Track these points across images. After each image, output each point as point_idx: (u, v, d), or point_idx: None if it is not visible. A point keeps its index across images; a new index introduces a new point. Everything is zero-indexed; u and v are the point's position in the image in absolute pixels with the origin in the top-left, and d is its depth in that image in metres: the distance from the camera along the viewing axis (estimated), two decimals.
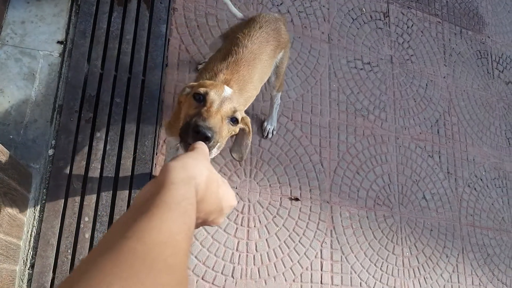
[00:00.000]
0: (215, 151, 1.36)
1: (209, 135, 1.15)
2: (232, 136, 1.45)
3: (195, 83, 1.44)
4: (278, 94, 2.33)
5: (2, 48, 2.13)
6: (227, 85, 1.54)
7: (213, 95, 1.28)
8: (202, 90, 1.29)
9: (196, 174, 0.65)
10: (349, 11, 3.11)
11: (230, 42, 1.85)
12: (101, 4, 2.36)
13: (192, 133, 1.15)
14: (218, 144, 1.25)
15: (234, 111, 1.31)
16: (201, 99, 1.29)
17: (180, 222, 0.54)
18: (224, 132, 1.30)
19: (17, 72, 2.11)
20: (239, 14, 2.19)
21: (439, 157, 3.06)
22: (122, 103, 2.23)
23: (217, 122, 1.22)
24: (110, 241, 0.47)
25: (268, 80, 2.16)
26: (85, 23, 2.29)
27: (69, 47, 2.23)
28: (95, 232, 2.01)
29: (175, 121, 1.62)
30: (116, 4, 2.39)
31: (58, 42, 2.22)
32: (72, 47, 2.23)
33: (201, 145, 0.82)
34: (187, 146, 1.18)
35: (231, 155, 1.58)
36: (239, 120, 1.35)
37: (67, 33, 2.25)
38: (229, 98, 1.32)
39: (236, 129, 1.39)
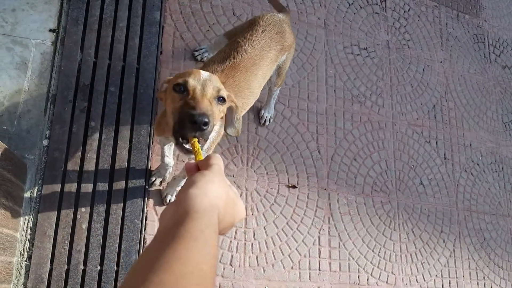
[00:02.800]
0: (213, 135, 1.33)
1: (206, 120, 1.12)
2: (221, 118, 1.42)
3: (171, 77, 1.40)
4: (278, 89, 2.32)
5: None
6: None
7: (192, 81, 1.25)
8: (180, 80, 1.26)
9: (217, 200, 0.66)
10: None
11: (230, 46, 1.81)
12: None
13: (189, 125, 1.12)
14: (214, 127, 1.23)
15: (219, 90, 1.28)
16: (182, 90, 1.25)
17: (205, 252, 0.56)
18: (216, 113, 1.27)
19: (9, 62, 2.07)
20: None
21: (436, 142, 3.05)
22: (117, 92, 2.21)
23: (207, 106, 1.20)
24: (139, 275, 0.51)
25: (270, 79, 2.14)
26: (78, 11, 2.25)
27: (61, 36, 2.20)
28: (92, 223, 2.00)
29: (163, 119, 1.60)
30: None
31: (50, 30, 2.18)
32: (65, 35, 2.19)
33: (216, 161, 0.77)
34: (183, 143, 1.16)
35: (227, 133, 1.54)
36: (226, 98, 1.32)
37: (59, 21, 2.21)
38: (209, 80, 1.28)
39: (225, 107, 1.36)
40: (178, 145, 1.18)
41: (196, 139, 1.10)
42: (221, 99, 1.30)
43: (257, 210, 2.36)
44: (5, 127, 1.98)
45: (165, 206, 2.19)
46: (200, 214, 0.61)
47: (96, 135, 2.11)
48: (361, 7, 3.11)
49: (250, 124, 2.49)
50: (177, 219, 0.60)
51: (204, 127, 1.12)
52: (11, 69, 2.06)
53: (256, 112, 2.51)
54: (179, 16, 2.50)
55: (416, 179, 2.89)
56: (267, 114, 2.49)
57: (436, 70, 3.26)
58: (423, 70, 3.20)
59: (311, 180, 2.55)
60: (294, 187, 2.49)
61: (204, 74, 1.30)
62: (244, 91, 1.74)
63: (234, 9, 2.66)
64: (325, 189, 2.57)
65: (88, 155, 2.08)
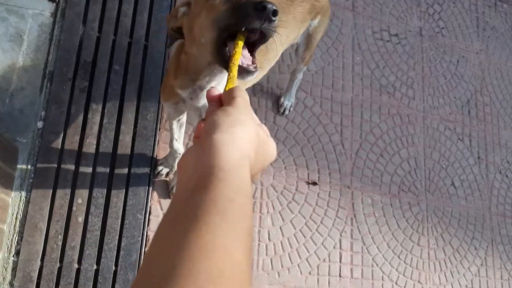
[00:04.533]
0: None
1: (275, 8, 0.84)
2: None
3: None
4: (303, 68, 2.05)
5: None
6: None
7: None
8: None
9: (248, 147, 0.53)
10: None
11: None
12: None
13: (254, 12, 0.83)
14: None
15: None
16: None
17: (238, 232, 0.43)
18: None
19: (2, 33, 1.86)
20: None
21: (470, 140, 2.79)
22: (122, 71, 1.98)
23: None
24: (155, 278, 0.38)
25: (296, 50, 1.88)
26: None
27: (62, 6, 1.97)
28: (89, 216, 1.78)
29: (169, 79, 1.34)
30: None
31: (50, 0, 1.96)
32: (66, 6, 1.98)
33: (240, 93, 0.59)
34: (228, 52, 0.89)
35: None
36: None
37: None
38: None
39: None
40: (219, 53, 0.92)
41: (242, 43, 0.84)
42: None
43: (273, 208, 2.13)
44: None
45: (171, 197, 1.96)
46: (228, 172, 0.46)
47: (97, 118, 1.89)
48: None
49: (267, 112, 2.25)
50: (197, 180, 0.46)
51: (274, 17, 0.84)
52: (4, 42, 1.85)
53: (275, 99, 2.27)
54: None
55: (448, 179, 2.63)
56: (287, 102, 2.25)
57: (471, 61, 2.98)
58: (458, 61, 2.93)
59: (333, 177, 2.31)
60: (314, 183, 2.25)
61: None
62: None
63: None
64: (348, 187, 2.33)
65: (88, 140, 1.86)
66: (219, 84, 1.19)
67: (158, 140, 1.98)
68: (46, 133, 1.81)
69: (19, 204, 1.71)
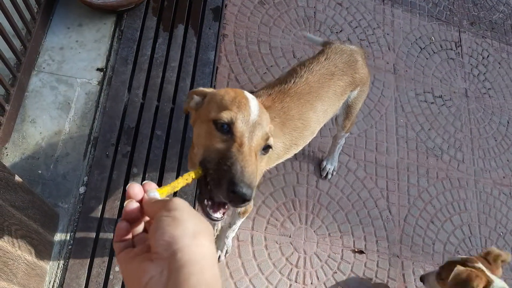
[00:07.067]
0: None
1: (250, 195, 0.82)
2: None
3: (205, 89, 1.10)
4: (345, 134, 1.99)
5: (38, 75, 1.95)
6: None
7: (240, 124, 0.93)
8: (225, 117, 0.93)
9: (212, 264, 0.50)
10: (416, 39, 2.80)
11: (287, 73, 1.55)
12: (145, 30, 2.17)
13: (227, 193, 0.82)
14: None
15: (267, 138, 0.97)
16: (226, 130, 0.93)
17: None
18: (259, 171, 0.97)
19: (51, 101, 1.92)
20: (319, 40, 1.90)
21: None
22: (164, 136, 1.99)
23: (254, 169, 0.88)
24: None
25: (335, 120, 1.84)
26: (128, 50, 2.10)
27: (109, 75, 2.04)
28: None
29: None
30: (161, 29, 2.20)
31: (98, 69, 2.03)
32: (112, 75, 2.03)
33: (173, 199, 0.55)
34: (208, 206, 0.86)
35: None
36: (272, 145, 1.00)
37: (107, 60, 2.07)
38: (259, 123, 0.96)
39: (266, 157, 1.06)
40: (201, 204, 0.87)
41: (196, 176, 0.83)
42: (266, 148, 0.98)
43: (317, 278, 1.99)
44: (40, 172, 1.78)
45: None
46: None
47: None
48: (434, 52, 2.80)
49: (310, 176, 2.18)
50: None
51: (243, 204, 0.82)
52: (53, 109, 1.90)
53: (317, 163, 2.21)
54: (235, 57, 2.30)
55: (507, 249, 2.42)
56: (330, 165, 2.18)
57: None
58: (508, 122, 2.80)
59: (381, 245, 2.16)
60: (361, 252, 2.11)
61: (253, 108, 0.98)
62: (295, 121, 1.42)
63: (295, 50, 2.43)
64: (397, 256, 2.17)
65: None
66: None
67: (197, 208, 1.94)
68: (87, 199, 1.80)
69: (56, 272, 1.67)
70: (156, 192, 0.61)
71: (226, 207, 0.86)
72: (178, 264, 0.47)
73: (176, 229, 0.50)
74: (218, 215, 0.85)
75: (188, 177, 0.77)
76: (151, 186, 0.63)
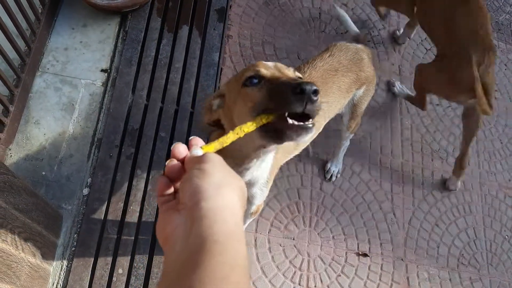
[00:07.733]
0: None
1: (316, 87, 0.75)
2: None
3: (226, 85, 1.07)
4: (350, 135, 1.99)
5: (42, 76, 1.95)
6: None
7: (264, 69, 0.89)
8: (249, 73, 0.90)
9: (239, 208, 0.52)
10: (421, 41, 2.78)
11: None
12: (150, 31, 2.17)
13: (294, 97, 0.75)
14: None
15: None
16: (257, 81, 0.88)
17: None
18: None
19: (55, 102, 1.92)
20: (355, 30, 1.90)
21: None
22: (168, 137, 1.98)
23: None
24: None
25: (341, 119, 1.83)
26: (132, 51, 2.10)
27: (113, 76, 2.03)
28: (129, 287, 1.71)
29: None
30: (166, 30, 2.20)
31: (102, 70, 2.03)
32: (117, 76, 2.03)
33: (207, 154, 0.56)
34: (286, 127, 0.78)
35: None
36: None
37: (112, 61, 2.06)
38: (280, 64, 0.94)
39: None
40: (267, 132, 0.81)
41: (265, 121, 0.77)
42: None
43: (321, 281, 1.98)
44: (43, 173, 1.78)
45: None
46: (223, 244, 0.44)
47: (142, 185, 1.87)
48: None
49: (314, 178, 2.17)
50: (187, 257, 0.43)
51: (315, 96, 0.76)
52: (56, 110, 1.90)
53: (321, 165, 2.20)
54: (239, 58, 2.29)
55: None
56: (334, 168, 2.17)
57: None
58: None
59: (385, 248, 2.15)
60: (365, 255, 2.10)
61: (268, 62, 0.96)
62: None
63: (299, 52, 2.42)
64: (402, 260, 2.16)
65: (131, 207, 1.83)
66: (262, 163, 1.14)
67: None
68: (91, 200, 1.80)
69: (59, 274, 1.67)
70: (199, 150, 0.60)
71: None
72: (200, 213, 0.47)
73: (202, 180, 0.51)
74: (292, 121, 0.77)
75: (239, 131, 0.69)
76: (197, 141, 0.63)
